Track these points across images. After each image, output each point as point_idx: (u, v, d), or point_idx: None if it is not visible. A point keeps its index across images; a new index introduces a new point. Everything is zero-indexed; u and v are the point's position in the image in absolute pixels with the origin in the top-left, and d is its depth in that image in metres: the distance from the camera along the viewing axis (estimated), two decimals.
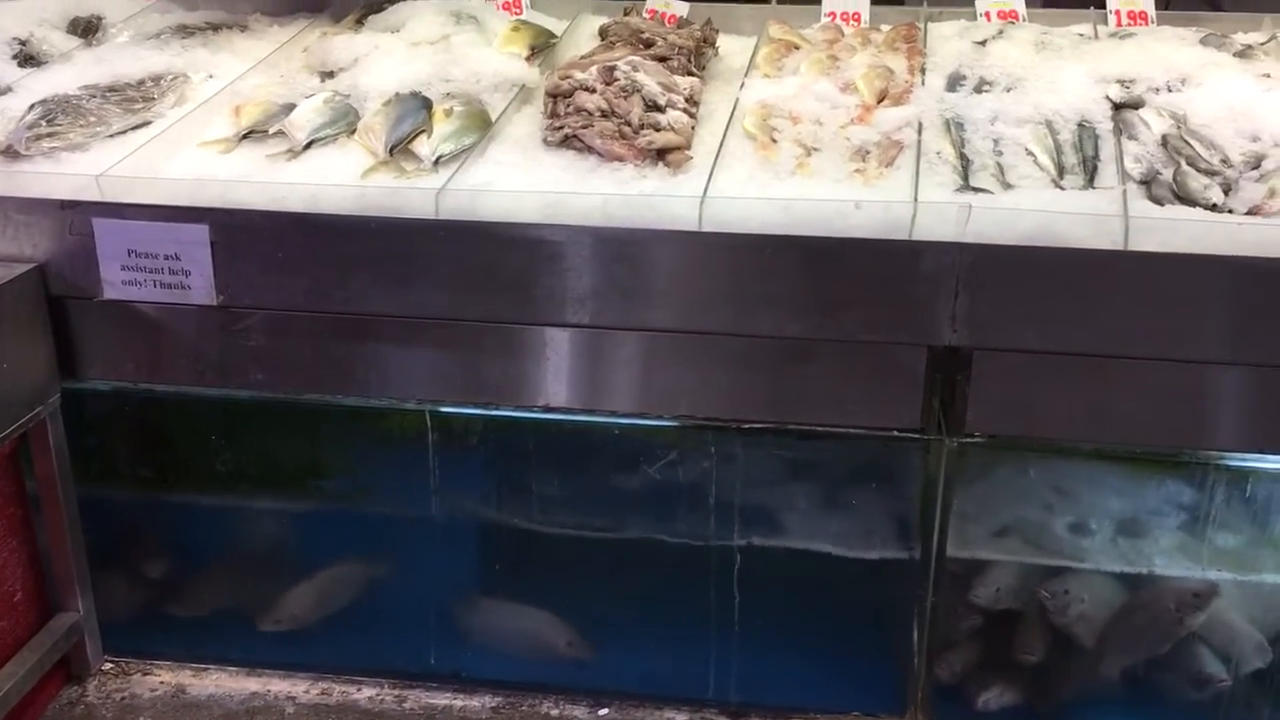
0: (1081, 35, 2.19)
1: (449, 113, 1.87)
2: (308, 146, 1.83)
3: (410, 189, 1.71)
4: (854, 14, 2.39)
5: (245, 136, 1.86)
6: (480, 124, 1.88)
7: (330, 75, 2.05)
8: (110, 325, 1.81)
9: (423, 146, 1.81)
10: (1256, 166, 1.66)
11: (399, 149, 1.81)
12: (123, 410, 1.98)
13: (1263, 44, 2.10)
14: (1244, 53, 2.04)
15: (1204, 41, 2.09)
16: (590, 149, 1.80)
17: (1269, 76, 1.91)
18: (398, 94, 1.91)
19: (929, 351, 1.65)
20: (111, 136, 1.86)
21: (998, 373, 1.65)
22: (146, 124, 1.91)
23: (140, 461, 2.05)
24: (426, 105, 1.89)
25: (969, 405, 1.67)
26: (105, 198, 1.73)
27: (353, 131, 1.86)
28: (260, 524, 2.10)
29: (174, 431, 2.03)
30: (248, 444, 2.01)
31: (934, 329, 1.61)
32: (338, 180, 1.74)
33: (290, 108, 1.90)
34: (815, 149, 1.80)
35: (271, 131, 1.86)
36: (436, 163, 1.78)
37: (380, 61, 2.04)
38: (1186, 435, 1.67)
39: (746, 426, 1.80)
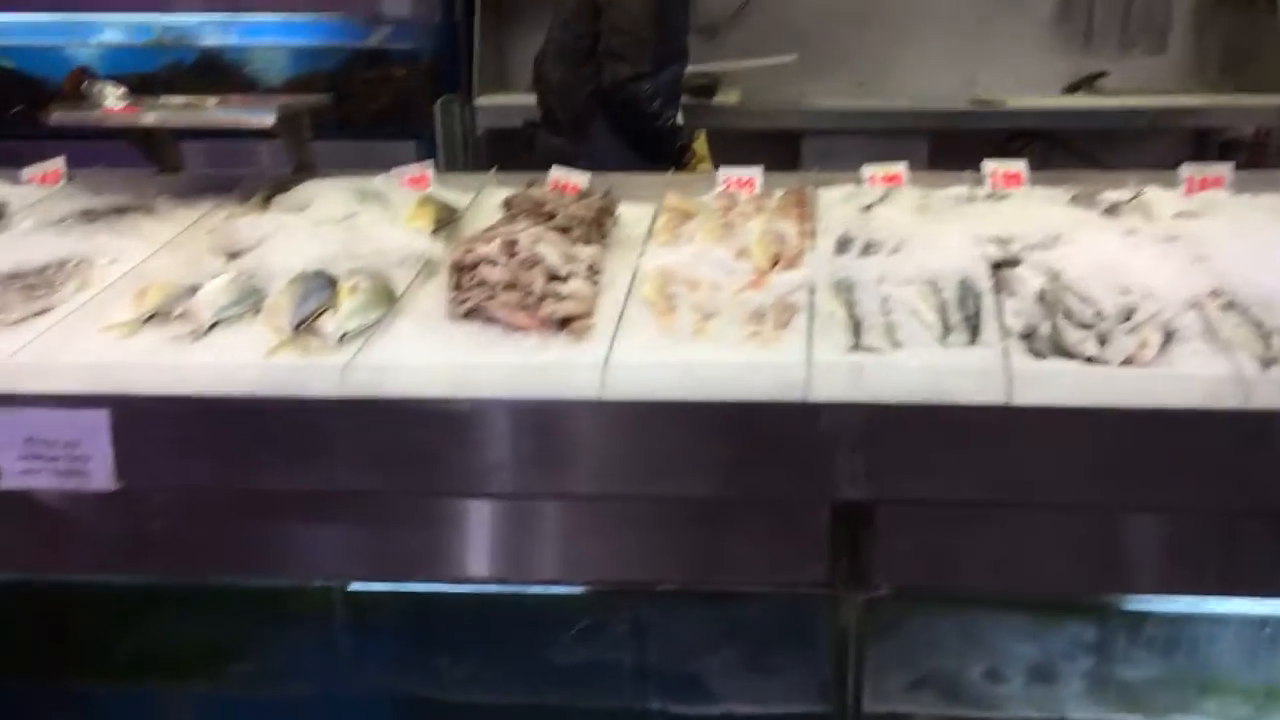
0: (960, 197, 2.31)
1: (354, 289, 1.90)
2: (212, 327, 1.84)
3: (314, 366, 1.73)
4: (748, 181, 2.51)
5: (148, 319, 1.87)
6: (385, 299, 1.91)
7: (236, 256, 2.07)
8: (6, 515, 1.77)
9: (328, 324, 1.83)
10: (1128, 318, 1.75)
11: (304, 327, 1.82)
12: (20, 602, 1.92)
13: (1128, 201, 2.23)
14: (1111, 210, 2.17)
15: (1073, 201, 2.22)
16: (494, 321, 1.84)
17: (1135, 232, 2.03)
18: (303, 272, 1.94)
19: (831, 508, 1.69)
20: (11, 325, 1.86)
21: (899, 526, 1.68)
22: (48, 310, 1.91)
23: (39, 653, 1.98)
24: (332, 283, 1.92)
25: (874, 559, 1.69)
26: (2, 387, 1.71)
27: (258, 311, 1.88)
28: (166, 714, 2.03)
29: (74, 621, 1.98)
30: (151, 630, 1.96)
31: (834, 485, 1.65)
32: (241, 360, 1.74)
33: (195, 289, 1.92)
34: (713, 314, 1.86)
35: (175, 314, 1.87)
36: (342, 339, 1.80)
37: (286, 241, 2.07)
38: (1084, 580, 1.71)
39: (659, 589, 1.80)
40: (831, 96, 4.83)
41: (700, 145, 3.67)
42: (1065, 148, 4.89)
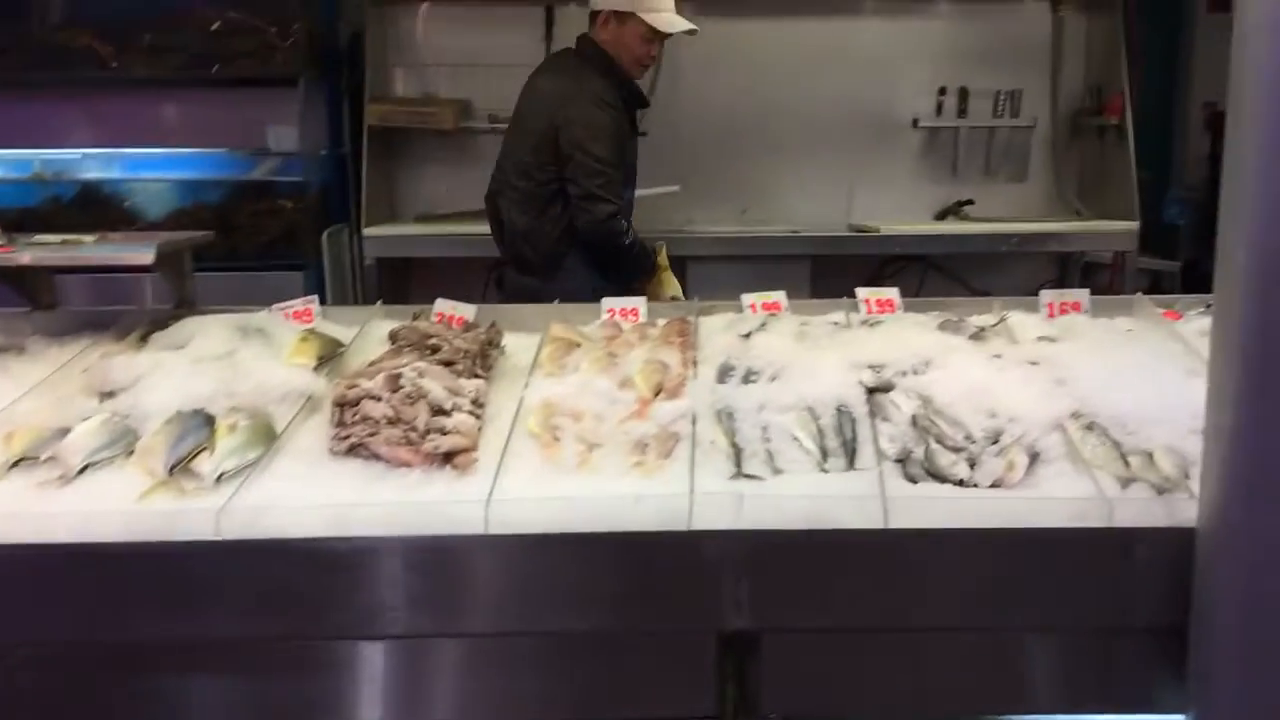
0: (836, 324, 2.39)
1: (233, 428, 1.87)
2: (82, 471, 1.78)
3: (189, 510, 1.69)
4: (632, 310, 2.56)
5: (15, 464, 1.81)
6: (265, 437, 1.88)
7: (110, 396, 2.03)
8: None
9: (204, 464, 1.79)
10: (995, 441, 1.81)
11: (179, 468, 1.79)
12: None
13: (993, 325, 2.33)
14: (977, 335, 2.26)
15: (942, 327, 2.31)
16: (377, 457, 1.83)
17: (1000, 356, 2.12)
18: (179, 411, 1.91)
19: (718, 637, 1.69)
20: None
21: (785, 653, 1.69)
22: None
23: None
24: (209, 422, 1.88)
25: (761, 688, 1.70)
26: None
27: (131, 453, 1.84)
28: None
29: None
30: None
31: (720, 615, 1.66)
32: (111, 505, 1.69)
33: (65, 432, 1.87)
34: (597, 445, 1.88)
35: (44, 458, 1.81)
36: (219, 480, 1.76)
37: (162, 379, 2.04)
38: (969, 701, 1.73)
39: None
40: (716, 223, 4.97)
41: (662, 258, 3.76)
42: (938, 270, 5.09)
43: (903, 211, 5.05)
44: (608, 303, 2.56)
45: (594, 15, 3.66)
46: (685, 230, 4.88)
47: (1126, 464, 1.72)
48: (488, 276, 4.10)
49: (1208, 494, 1.50)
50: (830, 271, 4.64)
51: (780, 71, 5.07)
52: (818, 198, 5.13)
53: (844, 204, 5.11)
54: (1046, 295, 2.43)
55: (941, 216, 5.12)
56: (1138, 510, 1.63)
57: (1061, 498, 1.66)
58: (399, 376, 1.98)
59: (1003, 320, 2.36)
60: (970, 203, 5.11)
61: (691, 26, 3.62)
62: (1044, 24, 5.14)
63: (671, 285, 3.75)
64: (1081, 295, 2.42)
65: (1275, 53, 1.35)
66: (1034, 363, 2.09)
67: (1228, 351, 1.43)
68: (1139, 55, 4.97)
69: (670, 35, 3.62)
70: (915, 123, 5.16)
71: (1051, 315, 2.40)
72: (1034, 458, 1.77)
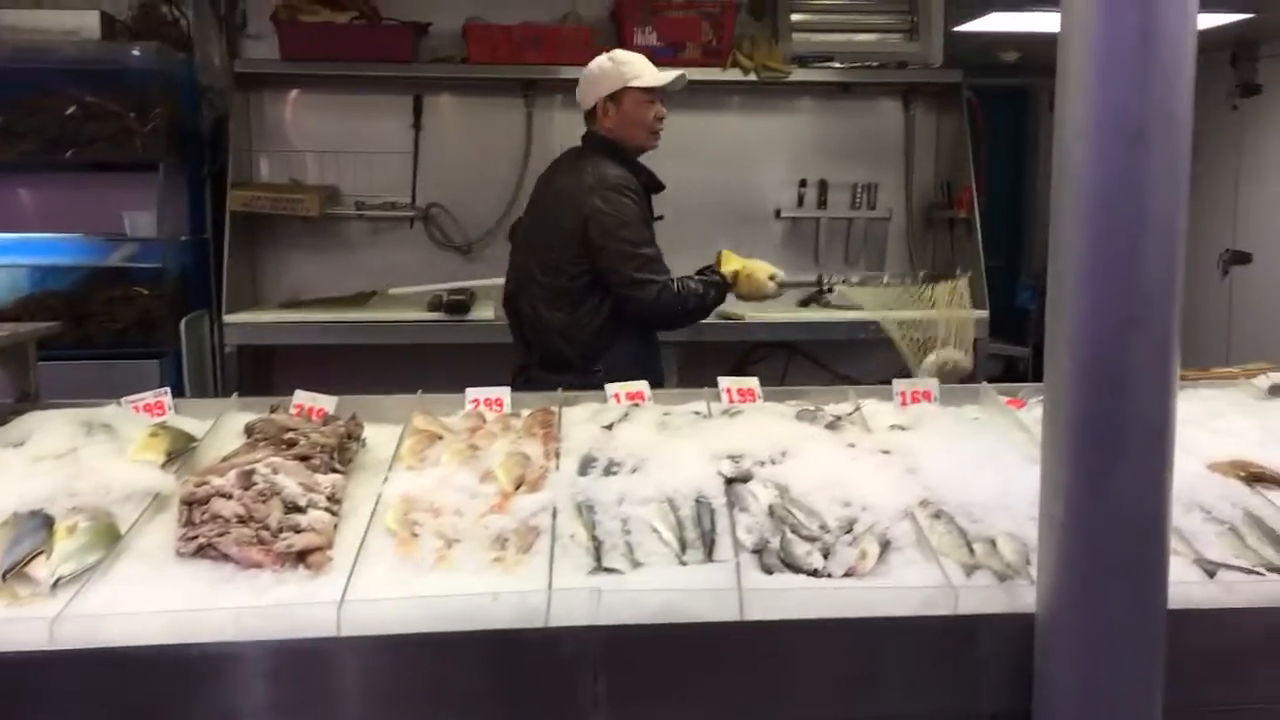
0: (697, 413, 2.43)
1: (72, 529, 1.79)
2: None
3: (21, 618, 1.61)
4: (496, 400, 2.55)
5: None
6: (107, 539, 1.81)
7: None
8: None
9: (40, 569, 1.71)
10: (849, 530, 1.86)
11: (14, 573, 1.70)
12: None
13: (849, 414, 2.39)
14: (833, 424, 2.32)
15: (799, 416, 2.36)
16: (227, 557, 1.77)
17: (854, 445, 2.17)
18: (15, 513, 1.83)
19: None
20: None
21: None
22: None
23: None
24: (48, 523, 1.81)
25: None
26: None
27: None
28: None
29: None
30: None
31: (578, 712, 1.64)
32: None
33: None
34: (456, 540, 1.86)
35: None
36: (55, 585, 1.69)
37: None
38: None
39: None
40: None
41: (729, 260, 3.71)
42: (803, 355, 5.22)
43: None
44: (472, 393, 2.56)
45: (589, 112, 3.63)
46: None
47: (971, 551, 1.78)
48: (512, 377, 4.02)
49: (1044, 581, 1.56)
50: (697, 358, 4.70)
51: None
52: None
53: None
54: (899, 384, 2.51)
55: (805, 304, 5.25)
56: (981, 598, 1.68)
57: (910, 586, 1.71)
58: (252, 473, 1.94)
59: (857, 409, 2.42)
60: (831, 290, 5.26)
61: (679, 73, 3.60)
62: (898, 122, 5.37)
63: (760, 269, 3.68)
64: (931, 384, 2.51)
65: (1091, 162, 1.45)
66: (886, 451, 2.15)
67: (1057, 445, 1.49)
68: (984, 151, 5.22)
69: (665, 88, 3.60)
70: (778, 213, 5.32)
71: (904, 404, 2.48)
72: (885, 546, 1.81)
